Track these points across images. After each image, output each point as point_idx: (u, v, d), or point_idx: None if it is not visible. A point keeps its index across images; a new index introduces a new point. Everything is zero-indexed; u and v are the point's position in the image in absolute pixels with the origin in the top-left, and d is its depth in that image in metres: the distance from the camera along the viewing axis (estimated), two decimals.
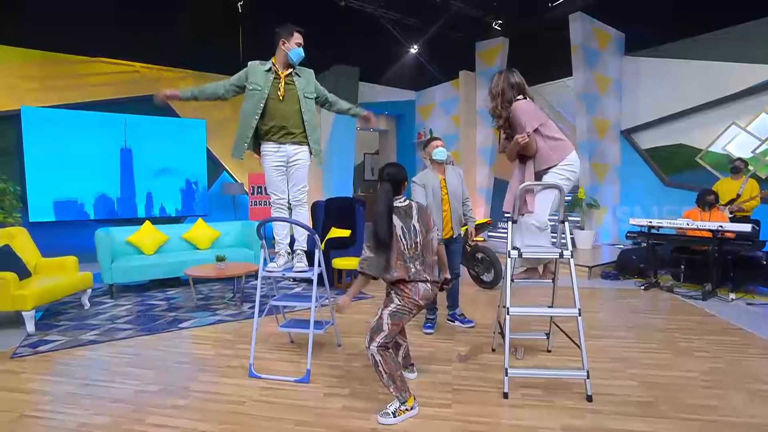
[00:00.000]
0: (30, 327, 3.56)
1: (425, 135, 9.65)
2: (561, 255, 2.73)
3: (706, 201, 5.04)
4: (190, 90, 3.07)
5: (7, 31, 5.98)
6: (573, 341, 2.85)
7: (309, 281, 5.25)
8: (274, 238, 3.18)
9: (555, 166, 2.71)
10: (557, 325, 3.17)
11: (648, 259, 5.32)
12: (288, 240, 3.18)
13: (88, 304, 4.32)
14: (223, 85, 3.05)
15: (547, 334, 3.23)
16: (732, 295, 4.63)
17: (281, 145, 3.05)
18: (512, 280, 3.07)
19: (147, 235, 5.12)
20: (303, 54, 3.03)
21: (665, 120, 7.20)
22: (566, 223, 2.79)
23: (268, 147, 3.05)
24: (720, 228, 4.52)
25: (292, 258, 3.17)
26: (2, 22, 5.87)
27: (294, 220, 3.03)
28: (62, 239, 6.15)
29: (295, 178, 3.16)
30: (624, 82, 7.73)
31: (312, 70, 3.21)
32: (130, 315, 4.10)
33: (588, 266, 5.71)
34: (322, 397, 2.57)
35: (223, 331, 3.68)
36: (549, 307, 3.12)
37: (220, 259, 4.36)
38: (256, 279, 4.14)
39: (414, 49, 8.46)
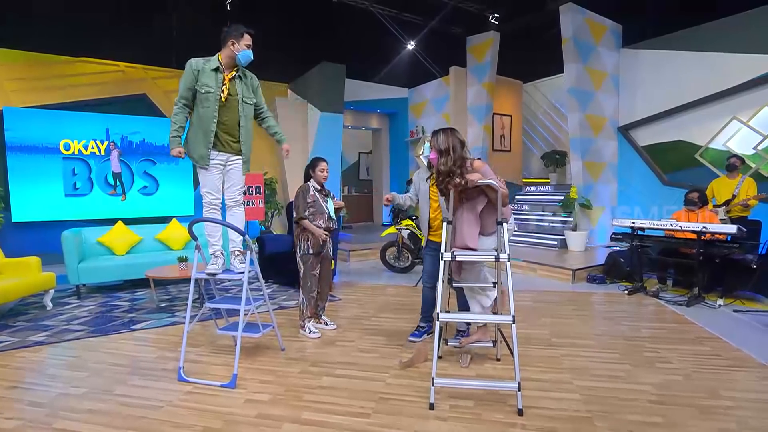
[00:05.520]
0: None
1: (417, 133, 9.50)
2: (497, 258, 2.58)
3: (689, 200, 4.74)
4: (176, 133, 2.93)
5: None
6: (510, 349, 2.69)
7: (282, 284, 5.21)
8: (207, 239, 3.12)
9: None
10: (501, 333, 3.00)
11: (633, 263, 5.04)
12: (221, 241, 3.12)
13: (51, 305, 4.33)
14: (182, 108, 2.91)
15: (494, 342, 3.06)
16: (720, 301, 4.34)
17: (219, 153, 2.98)
18: (450, 283, 2.97)
19: (119, 236, 5.14)
20: (252, 57, 2.95)
21: (663, 115, 6.87)
22: (504, 225, 2.62)
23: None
24: (704, 229, 4.24)
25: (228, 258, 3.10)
26: None
27: (226, 222, 2.97)
28: (44, 240, 6.19)
29: (232, 178, 3.10)
30: (621, 76, 7.42)
31: (255, 75, 3.13)
32: (89, 316, 4.09)
33: (572, 269, 5.45)
34: (241, 403, 2.50)
35: (174, 333, 3.64)
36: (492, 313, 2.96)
37: (182, 260, 4.34)
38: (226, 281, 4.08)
39: (411, 45, 8.31)
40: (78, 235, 4.79)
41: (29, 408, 2.45)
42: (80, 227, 5.14)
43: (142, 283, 5.27)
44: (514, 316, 2.44)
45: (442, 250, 2.62)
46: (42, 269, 4.38)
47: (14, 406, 2.48)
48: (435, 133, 2.75)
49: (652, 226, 4.77)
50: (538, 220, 7.65)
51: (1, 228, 4.86)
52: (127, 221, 5.62)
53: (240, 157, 3.05)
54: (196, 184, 7.71)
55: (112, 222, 5.49)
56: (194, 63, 2.87)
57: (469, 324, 3.32)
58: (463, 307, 3.24)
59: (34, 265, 4.24)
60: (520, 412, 2.33)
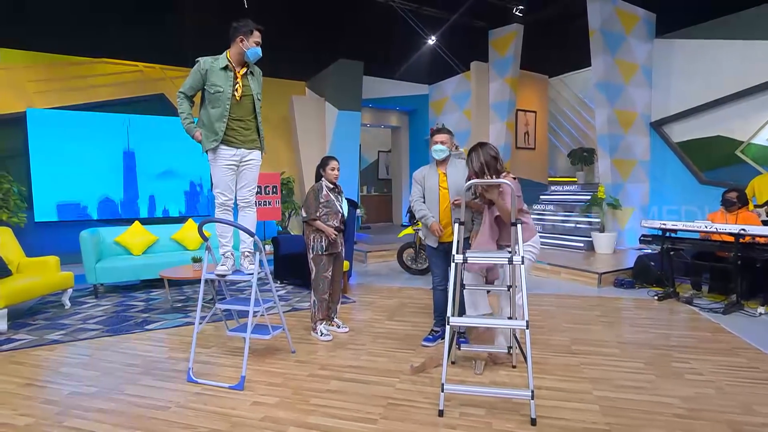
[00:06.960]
0: (2, 326, 3.66)
1: None
2: (510, 261, 2.45)
3: (727, 200, 4.42)
4: (189, 119, 2.98)
5: (13, 34, 6.18)
6: (523, 355, 2.55)
7: (297, 285, 5.19)
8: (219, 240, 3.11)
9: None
10: (516, 339, 2.86)
11: (663, 267, 4.75)
12: (232, 242, 3.11)
13: (69, 304, 4.41)
14: (184, 98, 2.95)
15: (510, 348, 2.93)
16: (761, 309, 4.02)
17: (237, 149, 2.96)
18: (463, 286, 2.86)
19: (136, 236, 5.21)
20: (261, 54, 2.92)
21: (700, 109, 6.47)
22: (518, 227, 2.49)
23: (222, 148, 2.94)
24: (743, 231, 3.94)
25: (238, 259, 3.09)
26: (8, 26, 6.05)
27: (235, 223, 2.94)
28: (66, 239, 6.21)
29: (245, 178, 3.08)
30: (655, 68, 7.03)
31: (261, 71, 3.11)
32: (104, 316, 4.16)
33: (598, 273, 5.19)
34: (248, 405, 2.47)
35: (186, 334, 3.65)
36: (508, 318, 2.83)
37: (196, 260, 4.37)
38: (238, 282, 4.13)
39: (431, 40, 8.12)
40: (96, 235, 4.89)
41: (42, 405, 2.49)
42: (99, 227, 5.25)
43: (158, 282, 5.31)
44: (527, 321, 2.31)
45: (453, 251, 2.52)
46: (61, 269, 4.48)
47: (27, 403, 2.52)
48: (469, 153, 2.88)
49: (684, 228, 4.48)
50: (563, 221, 7.35)
51: (24, 227, 4.99)
52: (145, 221, 5.70)
53: (254, 156, 3.02)
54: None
55: (129, 222, 5.58)
56: (203, 63, 2.86)
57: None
58: (462, 311, 3.13)
59: (52, 265, 4.33)
60: (533, 422, 2.21)
